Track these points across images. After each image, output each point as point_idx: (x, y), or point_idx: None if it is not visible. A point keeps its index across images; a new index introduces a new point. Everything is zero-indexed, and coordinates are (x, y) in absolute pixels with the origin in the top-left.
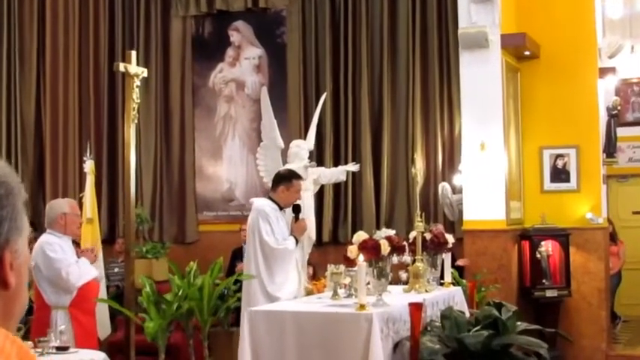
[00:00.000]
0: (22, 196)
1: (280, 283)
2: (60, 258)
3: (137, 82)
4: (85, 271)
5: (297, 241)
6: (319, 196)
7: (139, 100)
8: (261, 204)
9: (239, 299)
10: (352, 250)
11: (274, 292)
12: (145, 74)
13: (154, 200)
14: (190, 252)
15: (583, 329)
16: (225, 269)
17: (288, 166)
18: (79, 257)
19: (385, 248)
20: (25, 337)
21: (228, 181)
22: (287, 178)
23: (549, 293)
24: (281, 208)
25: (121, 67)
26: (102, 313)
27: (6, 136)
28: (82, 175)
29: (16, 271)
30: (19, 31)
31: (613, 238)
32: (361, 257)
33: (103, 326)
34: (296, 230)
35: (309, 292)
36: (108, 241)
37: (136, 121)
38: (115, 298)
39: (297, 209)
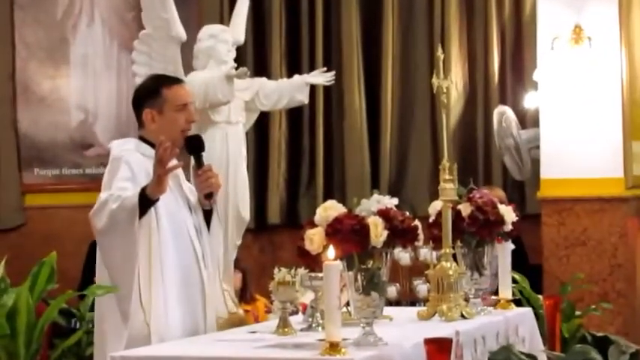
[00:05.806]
0: None
1: (128, 293)
2: None
3: None
4: None
5: (151, 201)
6: (263, 137)
7: None
8: (122, 149)
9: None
10: (313, 238)
11: (128, 312)
12: None
13: None
14: (11, 246)
15: None
16: (77, 279)
17: (195, 75)
18: None
19: (378, 233)
20: None
21: (80, 108)
22: (151, 92)
23: None
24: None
25: None
26: None
27: None
28: None
29: None
30: None
31: None
32: (330, 252)
33: None
34: (198, 186)
35: (235, 322)
36: None
37: None
38: None
39: (194, 145)
